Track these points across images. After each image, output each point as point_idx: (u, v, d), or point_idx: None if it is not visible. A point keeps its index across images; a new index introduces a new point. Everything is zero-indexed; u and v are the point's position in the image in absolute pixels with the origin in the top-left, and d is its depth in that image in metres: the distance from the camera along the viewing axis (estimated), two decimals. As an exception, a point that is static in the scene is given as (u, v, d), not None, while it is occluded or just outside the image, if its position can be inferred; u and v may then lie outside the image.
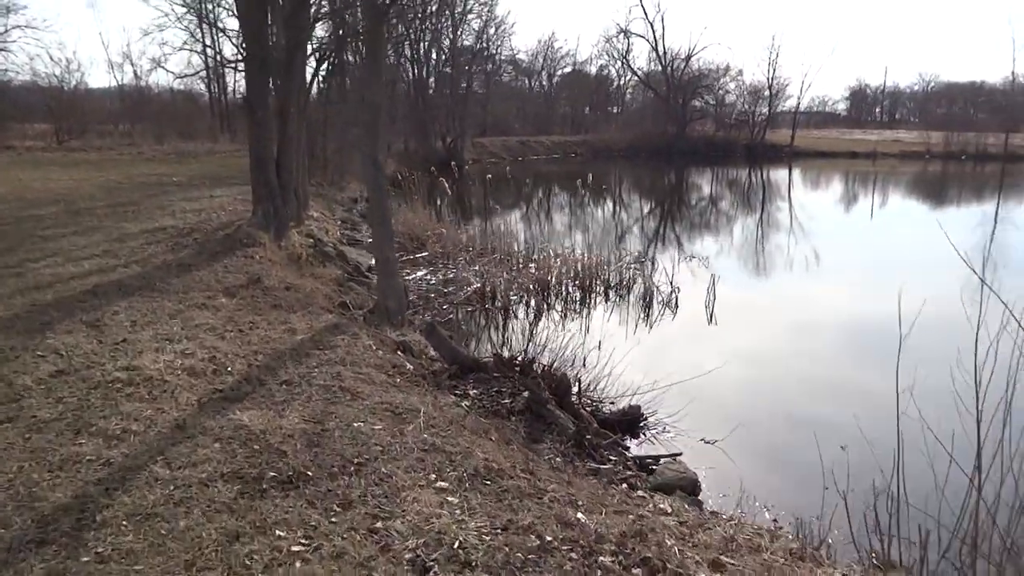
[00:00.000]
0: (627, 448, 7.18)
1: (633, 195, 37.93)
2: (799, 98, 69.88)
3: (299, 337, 7.53)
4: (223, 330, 7.51)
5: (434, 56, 45.70)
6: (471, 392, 7.29)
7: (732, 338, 11.28)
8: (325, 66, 22.17)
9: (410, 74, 43.65)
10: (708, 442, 7.35)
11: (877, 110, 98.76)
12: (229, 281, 9.59)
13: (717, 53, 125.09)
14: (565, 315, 12.46)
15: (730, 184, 44.92)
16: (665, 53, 64.85)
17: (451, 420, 5.97)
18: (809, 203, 33.15)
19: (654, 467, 6.63)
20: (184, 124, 37.46)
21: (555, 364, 7.90)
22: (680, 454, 6.93)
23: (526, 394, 7.10)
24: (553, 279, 13.75)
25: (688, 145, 60.42)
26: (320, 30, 20.89)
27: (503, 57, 60.16)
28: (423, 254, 16.97)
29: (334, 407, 5.73)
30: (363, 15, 13.50)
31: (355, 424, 5.40)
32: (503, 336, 11.25)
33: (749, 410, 8.35)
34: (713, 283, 12.92)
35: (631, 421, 7.59)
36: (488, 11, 49.51)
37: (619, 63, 70.09)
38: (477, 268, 15.09)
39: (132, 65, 60.92)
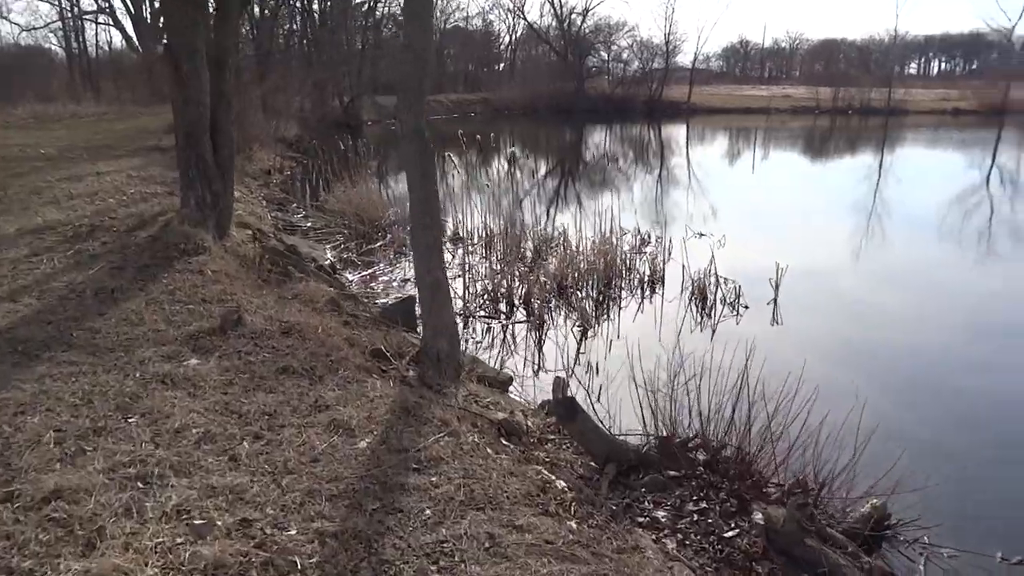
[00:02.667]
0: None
1: (566, 158, 35.34)
2: (696, 54, 69.03)
3: (361, 443, 4.45)
4: (229, 441, 4.34)
5: (328, 7, 41.10)
6: (660, 517, 4.47)
7: (845, 345, 8.91)
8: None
9: (302, 28, 39.05)
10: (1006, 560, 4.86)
11: (760, 66, 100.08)
12: (189, 322, 6.27)
13: (614, 8, 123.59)
14: (605, 323, 9.70)
15: (666, 143, 43.09)
16: (561, 7, 62.37)
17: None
18: (749, 160, 31.75)
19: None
20: (41, 83, 31.68)
21: (744, 445, 5.14)
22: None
23: (758, 517, 4.35)
24: (570, 274, 10.91)
25: (587, 103, 58.88)
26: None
27: (392, 10, 55.95)
28: (380, 243, 13.74)
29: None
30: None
31: None
32: (547, 359, 8.39)
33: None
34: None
35: (874, 527, 4.98)
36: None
37: (510, 17, 66.99)
38: (458, 260, 12.09)
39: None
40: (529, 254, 12.44)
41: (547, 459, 4.96)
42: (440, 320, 6.21)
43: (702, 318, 10.02)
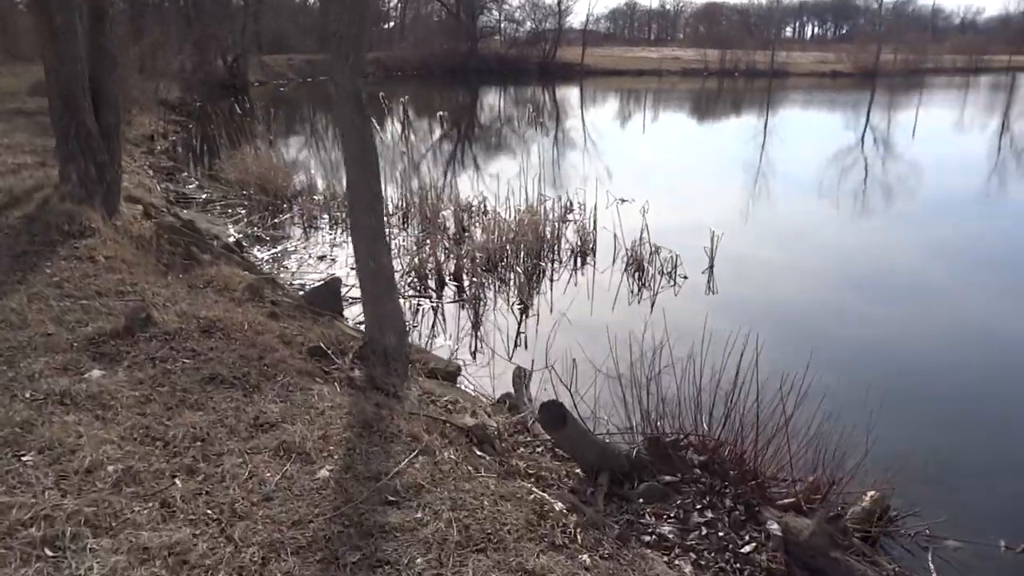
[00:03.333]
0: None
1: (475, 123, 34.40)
2: (588, 16, 68.81)
3: (321, 472, 3.70)
4: (156, 480, 3.52)
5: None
6: (667, 533, 3.95)
7: (796, 311, 8.67)
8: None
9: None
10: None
11: (647, 29, 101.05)
12: (85, 322, 5.29)
13: None
14: (540, 299, 9.13)
15: (567, 105, 42.58)
16: (452, -37, 60.70)
17: None
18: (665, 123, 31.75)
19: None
20: None
21: (738, 441, 4.67)
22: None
23: (774, 528, 3.91)
24: (500, 247, 10.25)
25: (481, 64, 57.97)
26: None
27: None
28: (288, 216, 12.69)
29: None
30: None
31: None
32: (488, 341, 7.77)
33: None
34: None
35: (876, 522, 4.64)
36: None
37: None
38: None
39: None
40: (450, 225, 11.70)
41: (530, 471, 4.35)
42: (385, 311, 5.47)
43: (639, 290, 9.60)
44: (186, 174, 15.46)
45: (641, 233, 10.48)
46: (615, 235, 10.66)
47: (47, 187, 8.57)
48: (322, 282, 7.99)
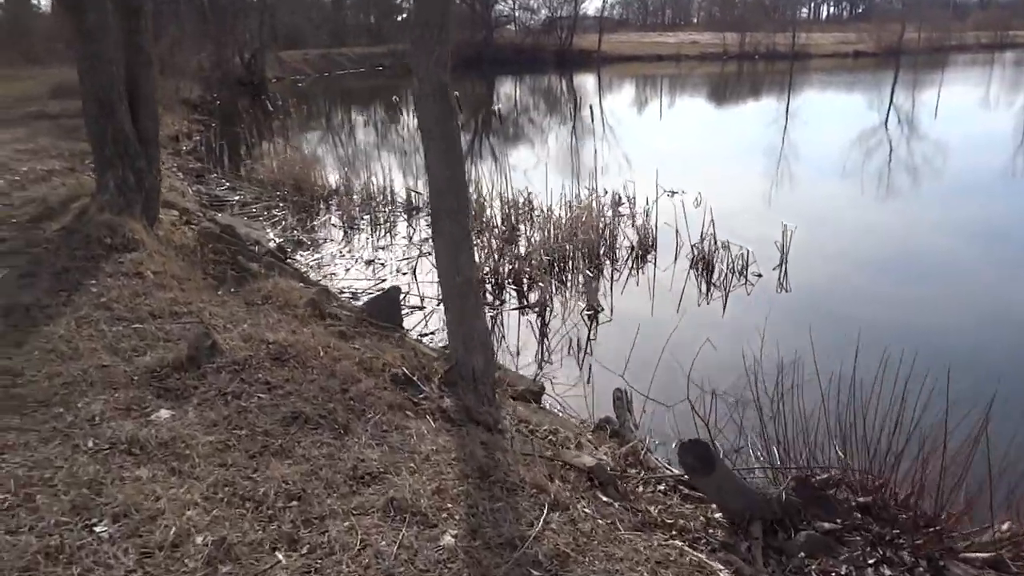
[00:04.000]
0: None
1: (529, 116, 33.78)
2: (604, 2, 67.88)
3: (445, 538, 3.12)
4: (255, 555, 2.95)
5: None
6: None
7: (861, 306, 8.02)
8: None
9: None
10: None
11: (661, 13, 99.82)
12: (142, 350, 4.74)
13: None
14: (611, 304, 8.52)
15: (588, 93, 41.82)
16: (467, -47, 59.81)
17: None
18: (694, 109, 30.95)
19: None
20: None
21: (895, 478, 4.05)
22: None
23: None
24: (560, 247, 9.64)
25: (497, 53, 57.06)
26: None
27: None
28: (326, 216, 12.15)
29: None
30: None
31: None
32: (562, 353, 7.18)
33: None
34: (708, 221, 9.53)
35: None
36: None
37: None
38: (420, 234, 10.74)
39: None
40: (497, 222, 11.11)
41: (667, 520, 3.76)
42: (473, 329, 4.89)
43: (708, 290, 8.99)
44: (215, 175, 14.94)
45: (704, 227, 9.89)
46: (677, 231, 10.05)
47: (82, 196, 8.04)
48: (381, 292, 7.41)
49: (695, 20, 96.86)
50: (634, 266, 9.76)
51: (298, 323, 5.66)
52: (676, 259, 9.85)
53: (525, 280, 8.76)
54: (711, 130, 25.23)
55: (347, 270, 9.40)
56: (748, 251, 9.27)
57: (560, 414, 5.64)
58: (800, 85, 42.11)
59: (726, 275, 9.20)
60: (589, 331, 7.77)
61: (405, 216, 12.00)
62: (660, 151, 19.80)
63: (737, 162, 17.77)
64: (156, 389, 4.25)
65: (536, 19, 63.84)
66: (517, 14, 65.01)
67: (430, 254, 9.91)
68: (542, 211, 10.69)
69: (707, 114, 30.61)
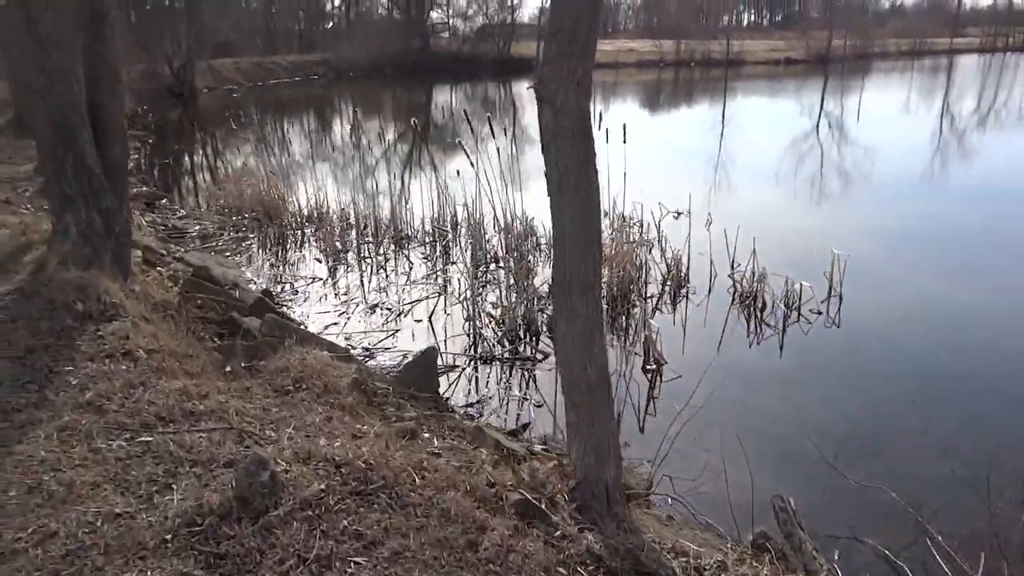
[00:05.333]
0: None
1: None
2: (541, 8, 67.17)
3: None
4: None
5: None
6: None
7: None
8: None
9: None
10: None
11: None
12: (165, 484, 3.42)
13: None
14: (636, 345, 7.44)
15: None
16: (398, -43, 58.55)
17: None
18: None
19: None
20: None
21: None
22: None
23: None
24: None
25: (435, 61, 55.92)
26: None
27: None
28: (305, 250, 10.78)
29: None
30: None
31: None
32: (636, 425, 6.07)
33: None
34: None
35: None
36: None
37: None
38: (425, 269, 9.55)
39: None
40: (499, 251, 9.96)
41: None
42: (606, 434, 3.73)
43: (759, 328, 8.02)
44: (166, 201, 13.33)
45: (730, 253, 9.02)
46: (712, 260, 9.10)
47: (34, 242, 6.57)
48: (417, 355, 6.14)
49: (622, 28, 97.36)
50: (671, 303, 8.72)
51: (348, 416, 4.40)
52: (709, 291, 8.88)
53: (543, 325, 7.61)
54: (673, 140, 24.50)
55: (346, 317, 8.10)
56: (800, 285, 8.29)
57: (695, 525, 4.52)
58: (747, 91, 42.23)
59: (776, 310, 8.24)
60: (652, 390, 6.67)
61: (394, 246, 10.72)
62: (631, 164, 18.91)
63: (722, 175, 16.97)
64: (204, 558, 2.96)
65: (472, 26, 62.95)
66: (453, 22, 63.97)
67: (436, 295, 8.72)
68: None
69: (664, 123, 29.99)
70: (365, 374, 5.24)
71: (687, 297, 8.84)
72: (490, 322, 7.74)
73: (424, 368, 5.98)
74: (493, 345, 7.31)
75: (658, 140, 23.91)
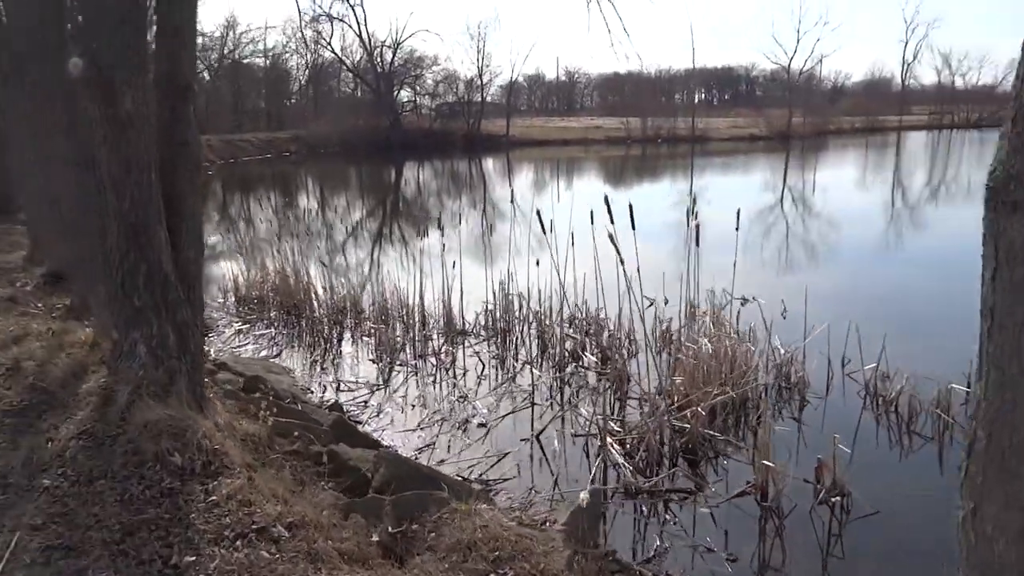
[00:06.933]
0: None
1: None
2: (510, 86, 67.72)
3: None
4: None
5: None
6: None
7: None
8: None
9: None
10: None
11: (557, 100, 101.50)
12: None
13: (424, 41, 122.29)
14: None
15: (509, 177, 40.29)
16: (370, 40, 58.67)
17: None
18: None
19: None
20: None
21: None
22: None
23: None
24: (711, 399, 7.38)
25: (405, 138, 55.79)
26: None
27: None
28: (347, 345, 9.52)
29: None
30: None
31: None
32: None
33: None
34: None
35: None
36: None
37: (307, 52, 61.96)
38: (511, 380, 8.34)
39: None
40: (568, 352, 8.83)
41: None
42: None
43: (918, 447, 6.93)
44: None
45: (844, 352, 8.03)
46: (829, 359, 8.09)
47: (89, 363, 5.25)
48: (585, 496, 4.89)
49: (579, 106, 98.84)
50: (798, 414, 7.60)
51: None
52: (827, 393, 7.86)
53: (696, 450, 6.44)
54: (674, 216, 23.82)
55: (434, 436, 6.82)
56: (949, 388, 7.24)
57: None
58: (722, 168, 42.36)
59: (924, 422, 7.18)
60: (841, 529, 5.51)
61: (446, 343, 9.49)
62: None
63: (772, 254, 16.15)
64: None
65: (442, 103, 63.05)
66: (423, 100, 64.08)
67: (525, 405, 7.52)
68: (649, 338, 8.30)
69: (657, 197, 29.45)
70: (573, 542, 4.00)
71: (806, 400, 7.77)
72: (628, 443, 6.52)
73: (591, 518, 4.78)
74: (628, 472, 6.08)
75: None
